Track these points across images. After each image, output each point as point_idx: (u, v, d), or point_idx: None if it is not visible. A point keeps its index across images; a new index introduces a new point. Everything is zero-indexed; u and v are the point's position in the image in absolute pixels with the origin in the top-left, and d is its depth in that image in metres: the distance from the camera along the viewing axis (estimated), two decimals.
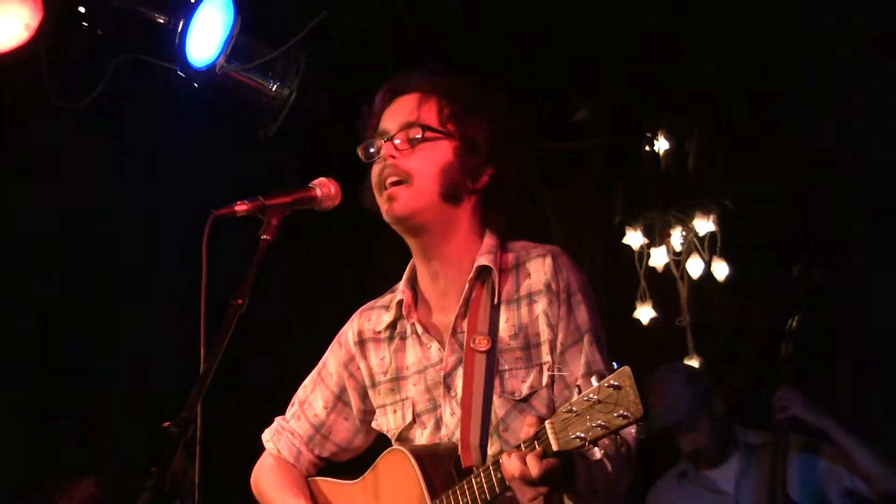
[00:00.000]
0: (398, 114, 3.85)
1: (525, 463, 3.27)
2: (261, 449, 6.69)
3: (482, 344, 3.72)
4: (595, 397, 3.14)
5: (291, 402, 4.21)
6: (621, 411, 3.11)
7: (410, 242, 3.88)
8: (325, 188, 3.82)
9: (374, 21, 6.11)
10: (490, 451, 3.67)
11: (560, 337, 3.70)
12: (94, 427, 7.16)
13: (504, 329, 3.74)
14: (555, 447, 3.22)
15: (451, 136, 3.80)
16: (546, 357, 3.71)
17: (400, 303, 3.91)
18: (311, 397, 4.13)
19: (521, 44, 6.45)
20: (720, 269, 7.66)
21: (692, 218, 7.75)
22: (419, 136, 3.78)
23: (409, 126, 3.80)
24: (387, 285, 4.09)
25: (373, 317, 4.02)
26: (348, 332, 4.06)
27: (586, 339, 3.70)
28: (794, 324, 6.07)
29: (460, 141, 3.79)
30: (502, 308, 3.76)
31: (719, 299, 7.68)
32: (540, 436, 3.26)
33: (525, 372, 3.72)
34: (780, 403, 5.96)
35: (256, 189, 3.74)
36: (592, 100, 7.21)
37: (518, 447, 3.31)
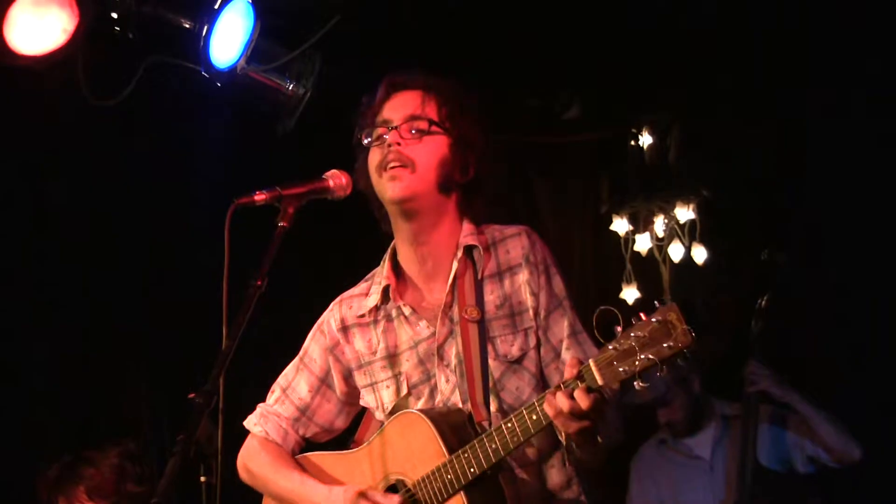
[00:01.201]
0: (402, 106, 3.89)
1: (573, 398, 3.35)
2: None
3: (474, 314, 3.80)
4: (641, 333, 3.23)
5: (272, 389, 4.21)
6: (669, 342, 3.20)
7: (402, 227, 3.91)
8: (336, 179, 3.86)
9: (377, 22, 6.10)
10: (491, 408, 3.75)
11: (542, 303, 3.80)
12: (127, 396, 7.18)
13: (490, 301, 3.82)
14: (600, 382, 3.32)
15: (449, 132, 3.85)
16: (530, 322, 3.81)
17: (386, 288, 3.95)
18: (295, 383, 4.14)
19: (516, 46, 6.45)
20: (699, 254, 7.68)
21: (673, 207, 7.77)
22: (425, 128, 3.83)
23: (414, 118, 3.85)
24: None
25: (353, 304, 4.05)
26: (329, 319, 4.08)
27: (565, 304, 3.83)
28: (763, 303, 6.10)
29: (456, 137, 3.85)
30: (486, 282, 3.84)
31: (698, 281, 7.69)
32: (583, 374, 3.36)
33: (513, 336, 3.81)
34: (750, 377, 6.00)
35: (274, 180, 3.77)
36: (582, 98, 7.21)
37: (558, 387, 3.40)
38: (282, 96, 5.90)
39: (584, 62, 6.79)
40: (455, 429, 3.70)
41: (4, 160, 6.58)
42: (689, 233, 7.73)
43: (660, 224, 7.82)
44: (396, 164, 3.80)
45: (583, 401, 3.34)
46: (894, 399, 6.40)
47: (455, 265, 3.85)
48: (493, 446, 3.57)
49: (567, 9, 6.40)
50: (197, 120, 6.39)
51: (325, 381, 4.10)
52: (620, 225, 7.87)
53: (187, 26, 5.50)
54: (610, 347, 3.30)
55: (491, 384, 3.77)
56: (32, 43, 5.23)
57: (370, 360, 3.99)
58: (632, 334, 3.25)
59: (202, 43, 5.42)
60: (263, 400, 4.21)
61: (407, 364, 3.92)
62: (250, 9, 5.49)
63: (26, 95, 5.78)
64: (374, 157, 3.86)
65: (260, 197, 3.70)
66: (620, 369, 3.27)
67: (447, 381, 3.84)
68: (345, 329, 4.04)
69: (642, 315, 3.32)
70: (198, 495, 3.36)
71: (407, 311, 3.92)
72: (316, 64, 5.84)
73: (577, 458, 3.63)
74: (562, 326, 3.80)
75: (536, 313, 3.80)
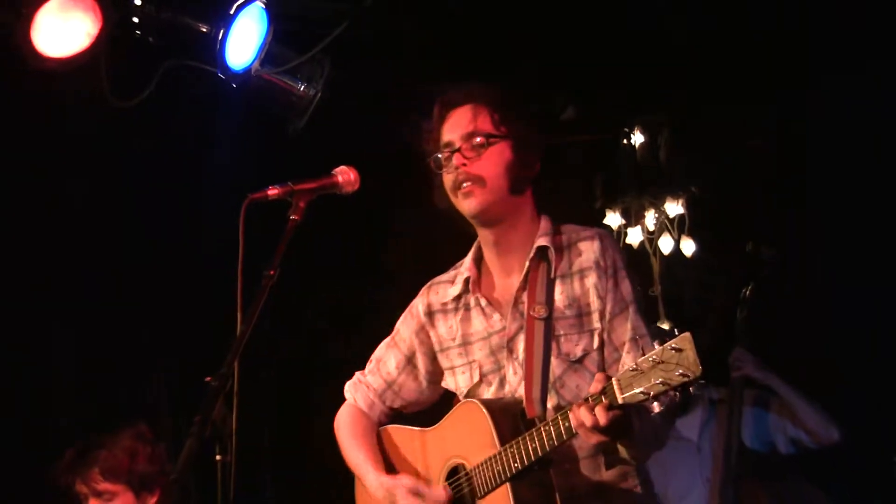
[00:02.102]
0: (457, 126, 3.90)
1: (594, 413, 3.35)
2: (284, 401, 6.73)
3: (540, 312, 3.79)
4: (657, 358, 3.22)
5: (370, 360, 4.28)
6: (681, 370, 3.18)
7: (483, 233, 3.97)
8: (345, 175, 3.88)
9: (382, 28, 6.11)
10: (549, 404, 3.75)
11: (608, 307, 3.77)
12: (146, 379, 7.20)
13: (559, 300, 3.81)
14: (620, 400, 3.31)
15: (506, 137, 3.86)
16: (596, 324, 3.79)
17: (467, 279, 3.98)
18: (385, 357, 4.21)
19: (514, 53, 6.45)
20: (687, 247, 7.69)
21: (663, 202, 7.78)
22: (483, 142, 3.84)
23: (470, 136, 3.86)
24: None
25: (440, 291, 4.09)
26: (419, 304, 4.14)
27: (631, 308, 3.78)
28: (748, 293, 6.11)
29: (514, 140, 3.86)
30: (557, 282, 3.82)
31: (686, 272, 7.70)
32: (606, 390, 3.34)
33: (578, 336, 3.79)
34: (735, 363, 6.01)
35: (286, 176, 3.78)
36: (577, 101, 7.21)
37: (585, 400, 3.40)
38: (293, 97, 5.90)
39: (580, 67, 6.79)
40: (509, 422, 3.72)
41: (30, 157, 6.60)
42: (679, 227, 7.75)
43: (650, 218, 7.84)
44: (467, 183, 3.84)
45: (601, 417, 3.34)
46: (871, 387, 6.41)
47: (528, 264, 3.85)
48: (534, 445, 3.59)
49: (564, 14, 6.39)
50: (213, 119, 6.40)
51: (410, 361, 4.16)
52: (613, 219, 7.88)
53: (204, 31, 5.50)
54: (633, 367, 3.29)
55: (551, 381, 3.77)
56: (57, 46, 5.23)
57: (449, 345, 4.03)
58: (650, 358, 3.24)
59: (218, 47, 5.42)
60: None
61: (480, 353, 3.94)
62: (264, 14, 5.49)
63: (52, 96, 5.79)
64: (447, 180, 3.90)
65: (273, 192, 3.72)
66: (638, 390, 3.26)
67: (515, 373, 3.85)
68: (430, 314, 4.09)
69: (655, 343, 3.35)
70: (213, 473, 3.36)
71: (483, 302, 3.95)
72: (325, 67, 5.84)
73: (613, 462, 3.66)
74: (625, 329, 3.76)
75: (602, 315, 3.78)
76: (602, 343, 3.79)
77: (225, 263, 3.65)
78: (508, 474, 3.65)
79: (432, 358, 4.11)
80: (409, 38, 6.44)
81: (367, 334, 4.42)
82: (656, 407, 3.35)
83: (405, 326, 4.17)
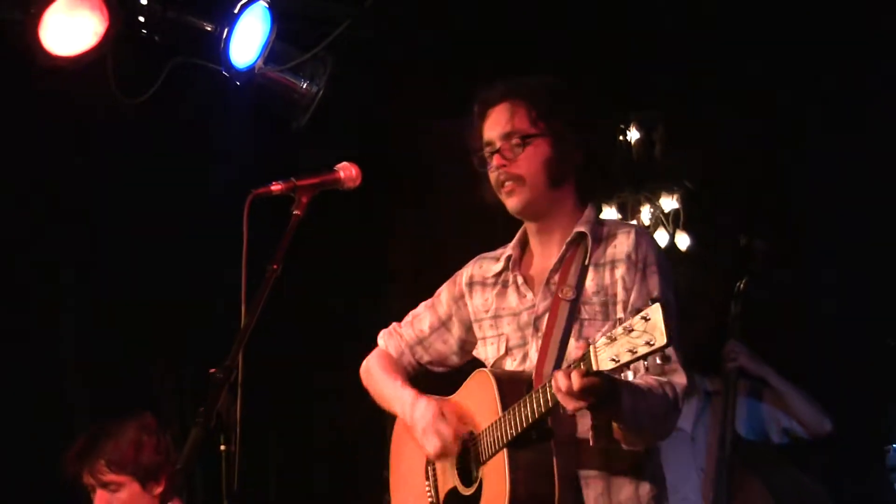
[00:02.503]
0: (496, 125, 3.91)
1: (570, 378, 3.32)
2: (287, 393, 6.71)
3: (568, 294, 3.79)
4: (629, 327, 3.19)
5: (409, 313, 4.31)
6: (647, 339, 3.14)
7: (529, 224, 4.00)
8: (347, 171, 3.88)
9: (383, 27, 6.11)
10: None
11: (632, 298, 3.75)
12: (154, 371, 7.21)
13: (589, 286, 3.80)
14: (595, 367, 3.27)
15: (543, 133, 3.86)
16: (620, 314, 3.76)
17: (509, 257, 4.00)
18: (422, 315, 4.25)
19: (514, 51, 6.45)
20: (682, 241, 7.69)
21: (658, 197, 7.78)
22: (519, 142, 3.85)
23: (508, 136, 3.87)
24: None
25: (484, 265, 4.12)
26: (463, 273, 4.16)
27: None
28: (742, 286, 6.12)
29: (551, 135, 3.86)
30: (590, 269, 3.81)
31: (681, 266, 7.69)
32: (585, 357, 3.31)
33: (601, 323, 3.77)
34: (729, 355, 6.02)
35: (289, 171, 3.78)
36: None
37: (568, 367, 3.38)
38: (296, 95, 5.90)
39: (577, 64, 6.78)
40: (514, 391, 3.70)
41: (40, 153, 6.61)
42: (673, 221, 7.74)
43: (646, 213, 7.83)
44: (509, 182, 3.87)
45: (576, 382, 3.30)
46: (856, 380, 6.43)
47: (564, 248, 3.87)
48: (526, 412, 3.57)
49: (562, 12, 6.40)
50: (218, 116, 6.40)
51: (445, 325, 4.18)
52: (610, 213, 7.86)
53: (209, 30, 5.51)
54: (606, 336, 3.26)
55: (565, 360, 3.73)
56: (65, 45, 5.23)
57: (482, 316, 4.04)
58: (622, 327, 3.22)
59: (223, 45, 5.42)
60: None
61: (508, 327, 3.95)
62: (268, 13, 5.50)
63: (60, 94, 5.80)
64: (491, 177, 3.93)
65: (276, 187, 3.73)
66: (610, 358, 3.23)
67: (537, 350, 3.84)
68: (470, 285, 4.11)
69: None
70: (218, 462, 3.36)
71: (520, 280, 3.96)
72: (328, 65, 5.85)
73: (604, 439, 3.60)
74: None
75: (626, 307, 3.75)
76: None
77: (229, 257, 3.66)
78: (506, 440, 3.63)
79: (467, 327, 4.13)
80: (408, 35, 6.44)
81: (369, 326, 4.43)
82: (630, 375, 3.26)
83: (446, 291, 4.20)
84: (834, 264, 6.64)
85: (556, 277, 3.86)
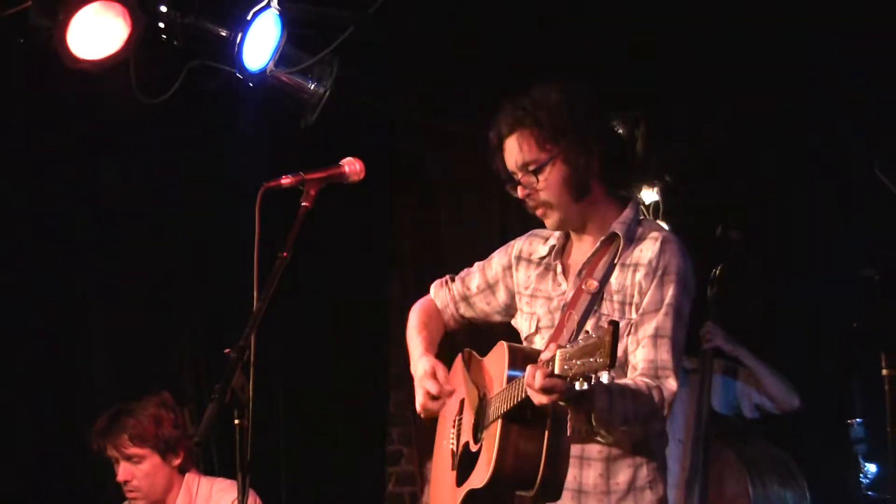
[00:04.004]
0: (510, 158, 3.82)
1: (535, 375, 3.28)
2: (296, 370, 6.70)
3: (592, 287, 3.71)
4: (592, 342, 3.13)
5: (465, 269, 4.23)
6: (597, 357, 3.09)
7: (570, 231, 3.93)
8: (351, 166, 3.87)
9: (385, 32, 6.10)
10: None
11: (644, 303, 3.66)
12: (172, 351, 7.20)
13: (613, 284, 3.72)
14: (557, 370, 3.22)
15: (554, 156, 3.75)
16: (633, 314, 3.68)
17: (553, 246, 3.93)
18: (473, 274, 4.17)
19: (510, 57, 6.44)
20: None
21: (640, 190, 7.76)
22: (533, 171, 3.76)
23: (523, 168, 3.78)
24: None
25: (533, 243, 4.03)
26: (515, 245, 4.08)
27: (666, 310, 3.65)
28: (717, 272, 6.12)
29: (564, 152, 3.75)
30: (617, 268, 3.73)
31: None
32: (552, 359, 3.25)
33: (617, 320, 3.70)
34: (706, 336, 6.03)
35: (298, 166, 3.77)
36: None
37: (538, 364, 3.32)
38: (305, 95, 5.90)
39: (564, 67, 6.77)
40: (521, 367, 3.59)
41: (68, 147, 6.62)
42: (654, 212, 7.72)
43: None
44: (538, 209, 3.82)
45: (539, 379, 3.26)
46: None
47: (598, 245, 3.79)
48: (514, 392, 3.51)
49: (549, 16, 6.39)
50: (232, 115, 6.40)
51: (491, 288, 4.10)
52: None
53: (224, 35, 5.51)
54: (569, 347, 3.21)
55: None
56: (91, 49, 5.23)
57: (521, 291, 3.99)
58: (580, 341, 3.17)
59: (237, 49, 5.42)
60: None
61: (541, 309, 3.89)
62: (278, 20, 5.49)
63: (89, 94, 5.80)
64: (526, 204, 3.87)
65: (286, 181, 3.72)
66: (566, 366, 3.18)
67: None
68: (518, 258, 4.03)
69: (590, 330, 3.29)
70: (232, 435, 3.36)
71: (559, 269, 3.89)
72: (334, 67, 5.84)
73: (582, 429, 3.56)
74: (650, 326, 3.64)
75: (638, 310, 3.67)
76: (630, 333, 3.68)
77: (242, 246, 3.66)
78: (501, 412, 3.58)
79: (511, 295, 4.06)
80: (408, 40, 6.43)
81: (371, 315, 4.43)
82: (581, 385, 3.16)
83: (498, 257, 4.12)
84: (802, 252, 6.64)
85: (586, 270, 3.79)
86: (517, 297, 4.03)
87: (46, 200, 6.77)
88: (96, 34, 5.21)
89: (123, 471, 5.19)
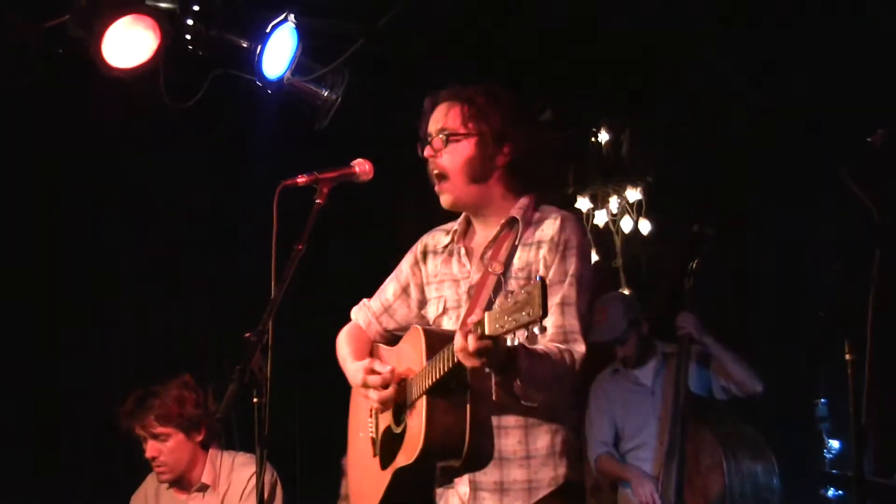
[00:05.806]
0: (434, 122, 3.82)
1: (466, 339, 3.25)
2: (310, 352, 6.67)
3: (497, 269, 3.68)
4: (517, 300, 3.08)
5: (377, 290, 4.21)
6: (528, 311, 3.04)
7: (465, 213, 3.91)
8: (361, 166, 3.88)
9: (391, 44, 6.10)
10: None
11: (550, 275, 3.64)
12: (197, 335, 7.22)
13: (516, 263, 3.70)
14: (487, 332, 3.18)
15: (469, 134, 3.75)
16: None
17: (455, 231, 3.91)
18: (387, 286, 4.12)
19: (498, 65, 6.45)
20: (644, 226, 7.69)
21: (624, 189, 7.78)
22: (446, 139, 3.76)
23: (439, 132, 3.78)
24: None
25: (436, 236, 4.00)
26: (419, 244, 4.04)
27: (570, 280, 3.64)
28: (694, 266, 6.13)
29: (479, 136, 3.75)
30: (519, 248, 3.71)
31: (643, 248, 7.71)
32: (480, 322, 3.21)
33: None
34: (680, 324, 6.05)
35: (312, 166, 3.78)
36: (553, 105, 7.19)
37: (467, 329, 3.28)
38: (318, 101, 5.89)
39: (555, 75, 6.78)
40: (437, 346, 3.57)
41: (103, 148, 6.62)
42: (637, 210, 7.75)
43: (614, 203, 7.83)
44: (435, 173, 3.79)
45: (472, 343, 3.22)
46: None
47: (498, 229, 3.76)
48: (439, 364, 3.48)
49: (544, 25, 6.40)
50: (252, 119, 6.41)
51: (405, 291, 4.04)
52: (583, 203, 7.87)
53: (245, 46, 5.50)
54: (497, 306, 3.16)
55: None
56: (124, 58, 5.23)
57: (431, 280, 3.95)
58: (513, 300, 3.11)
59: (256, 59, 5.42)
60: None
61: (448, 291, 3.86)
62: (295, 32, 5.49)
63: (121, 99, 5.81)
64: (429, 169, 3.84)
65: (301, 179, 3.74)
66: (498, 325, 3.14)
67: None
68: (424, 253, 3.99)
69: (519, 286, 3.25)
70: (251, 413, 3.37)
71: (462, 251, 3.86)
72: (345, 76, 5.84)
73: (502, 393, 3.47)
74: (558, 296, 3.62)
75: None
76: None
77: (261, 239, 3.66)
78: (425, 388, 3.55)
79: (422, 290, 4.01)
80: (410, 50, 6.44)
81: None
82: (514, 341, 3.11)
83: (405, 261, 4.08)
84: (771, 249, 6.65)
85: (490, 254, 3.76)
86: (427, 289, 3.98)
87: (82, 196, 6.79)
88: (128, 45, 5.21)
89: (151, 448, 5.20)
